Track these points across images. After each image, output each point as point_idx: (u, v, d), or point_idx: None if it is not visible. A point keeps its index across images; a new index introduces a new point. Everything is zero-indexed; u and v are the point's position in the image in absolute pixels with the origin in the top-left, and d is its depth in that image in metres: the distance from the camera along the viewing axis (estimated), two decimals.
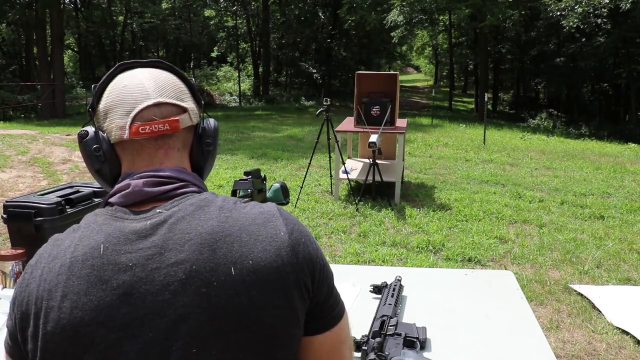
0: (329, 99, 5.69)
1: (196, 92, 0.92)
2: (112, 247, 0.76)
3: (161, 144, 0.85)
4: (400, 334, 1.23)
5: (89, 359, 0.73)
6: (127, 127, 0.83)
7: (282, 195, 1.51)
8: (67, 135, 10.90)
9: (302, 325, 0.81)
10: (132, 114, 0.83)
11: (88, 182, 1.92)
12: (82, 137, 0.87)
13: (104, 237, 0.77)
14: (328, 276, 0.85)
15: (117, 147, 0.86)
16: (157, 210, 0.80)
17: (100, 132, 0.86)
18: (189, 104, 0.89)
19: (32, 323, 0.75)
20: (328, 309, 0.85)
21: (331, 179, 6.16)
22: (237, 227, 0.78)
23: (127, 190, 0.82)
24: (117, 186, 0.84)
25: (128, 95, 0.84)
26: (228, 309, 0.73)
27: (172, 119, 0.84)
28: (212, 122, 0.94)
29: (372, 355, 1.15)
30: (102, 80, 0.88)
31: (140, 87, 0.85)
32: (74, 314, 0.73)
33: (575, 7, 16.72)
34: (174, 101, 0.86)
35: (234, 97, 26.05)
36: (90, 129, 0.87)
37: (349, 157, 7.00)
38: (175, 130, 0.85)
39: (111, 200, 0.83)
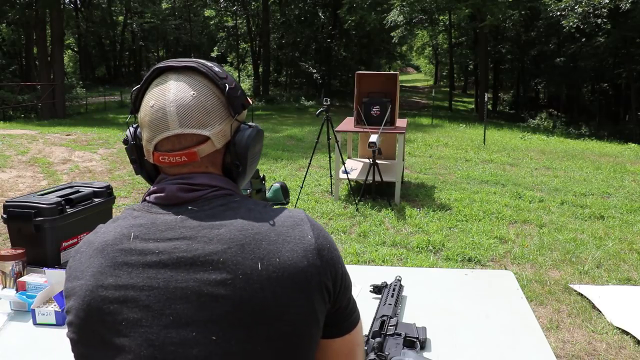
0: (329, 99, 5.69)
1: (231, 99, 0.88)
2: (142, 236, 0.81)
3: (186, 164, 0.88)
4: (400, 334, 1.23)
5: (111, 336, 0.77)
6: (151, 153, 0.88)
7: (282, 195, 1.50)
8: (67, 135, 10.90)
9: (321, 327, 0.83)
10: (153, 143, 0.87)
11: (88, 182, 1.92)
12: (124, 142, 0.95)
13: (136, 226, 0.83)
14: (348, 283, 0.88)
15: None
16: (189, 207, 0.84)
17: (138, 142, 0.92)
18: (215, 127, 0.86)
19: (69, 300, 0.82)
20: (347, 314, 0.88)
21: (331, 179, 6.16)
22: (267, 227, 0.81)
23: (162, 194, 0.86)
24: (152, 188, 0.89)
25: (152, 120, 0.86)
26: (252, 302, 0.75)
27: (189, 151, 0.85)
28: (245, 135, 0.89)
29: (372, 355, 1.15)
30: (139, 86, 0.90)
31: (162, 113, 0.85)
32: (99, 292, 0.78)
33: (575, 7, 16.72)
34: (194, 131, 0.85)
35: None
36: (130, 137, 0.93)
37: (349, 157, 6.99)
38: (193, 161, 0.86)
39: (148, 198, 0.88)
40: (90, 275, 0.80)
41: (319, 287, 0.80)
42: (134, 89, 0.91)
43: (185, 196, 0.85)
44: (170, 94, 0.86)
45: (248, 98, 0.93)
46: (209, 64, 0.89)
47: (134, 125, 0.94)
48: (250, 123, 0.93)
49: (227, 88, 0.87)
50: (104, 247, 0.82)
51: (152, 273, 0.78)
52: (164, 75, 0.89)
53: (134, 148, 0.93)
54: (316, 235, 0.83)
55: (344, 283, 0.86)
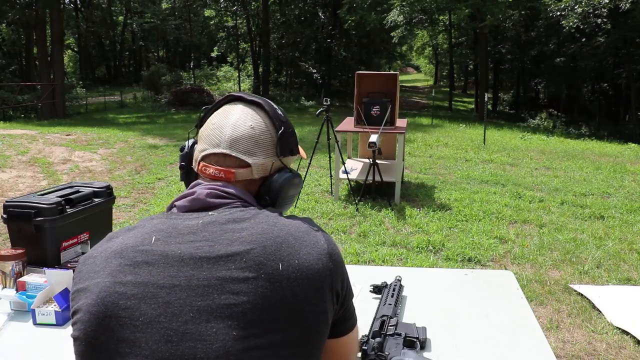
0: (329, 99, 5.68)
1: (283, 142, 0.98)
2: (163, 239, 0.85)
3: (217, 184, 0.95)
4: (400, 334, 1.23)
5: (125, 332, 0.78)
6: (198, 162, 0.98)
7: None
8: (67, 135, 10.90)
9: (329, 327, 0.89)
10: (203, 153, 0.97)
11: (88, 182, 1.92)
12: (180, 150, 1.07)
13: (157, 231, 0.86)
14: (351, 287, 0.95)
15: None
16: (210, 213, 0.89)
17: (192, 152, 1.03)
18: (259, 158, 0.96)
19: (78, 300, 0.82)
20: (348, 317, 0.95)
21: (331, 179, 6.16)
22: (285, 232, 0.87)
23: (192, 197, 0.92)
24: (185, 191, 0.95)
25: (209, 135, 0.97)
26: (272, 300, 0.80)
27: (229, 169, 0.95)
28: (281, 178, 0.98)
29: (372, 355, 1.15)
30: (212, 106, 1.03)
31: (219, 132, 0.96)
32: (116, 289, 0.80)
33: (575, 7, 16.71)
34: (239, 155, 0.95)
35: None
36: (188, 147, 1.05)
37: (349, 157, 6.99)
38: (228, 180, 0.95)
39: (177, 203, 0.93)
40: (107, 273, 0.81)
41: (330, 288, 0.86)
42: (204, 107, 1.04)
43: (212, 202, 0.91)
44: (232, 118, 0.97)
45: (301, 149, 1.05)
46: (275, 106, 1.01)
47: (194, 138, 1.05)
48: (294, 170, 1.03)
49: (282, 130, 0.98)
50: (123, 249, 0.84)
51: (173, 272, 0.81)
52: (234, 102, 1.01)
53: (186, 156, 1.04)
54: (327, 241, 0.90)
55: (349, 286, 0.93)
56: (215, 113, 1.01)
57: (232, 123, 0.96)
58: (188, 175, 1.04)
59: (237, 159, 0.95)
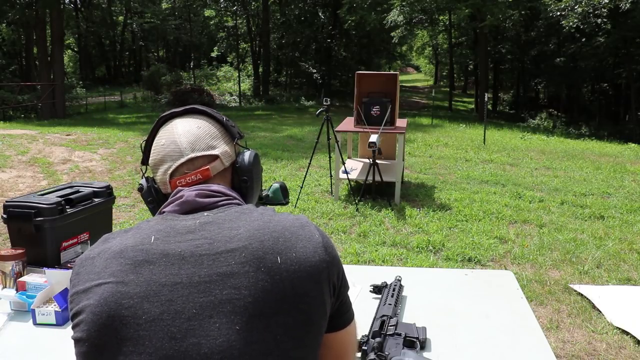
0: (329, 99, 5.68)
1: (229, 128, 1.04)
2: (162, 238, 0.86)
3: (201, 185, 0.97)
4: (400, 334, 1.23)
5: (128, 331, 0.78)
6: (168, 182, 0.99)
7: (282, 195, 1.50)
8: (67, 135, 10.90)
9: (327, 320, 0.90)
10: (169, 172, 0.98)
11: (88, 182, 1.92)
12: (139, 190, 1.05)
13: (155, 231, 0.87)
14: (346, 280, 0.96)
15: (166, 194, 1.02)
16: (205, 214, 0.91)
17: (154, 185, 1.04)
18: (221, 147, 1.01)
19: (79, 302, 0.82)
20: (345, 310, 0.96)
21: (331, 179, 6.16)
22: (281, 226, 0.89)
23: (180, 200, 0.93)
24: (170, 198, 0.96)
25: (166, 154, 0.99)
26: (272, 293, 0.81)
27: (203, 169, 0.97)
28: (247, 156, 1.04)
29: (372, 355, 1.15)
30: (147, 137, 1.04)
31: (174, 145, 0.98)
32: (119, 289, 0.80)
33: (575, 7, 16.71)
34: (204, 153, 0.99)
35: (234, 97, 26.05)
36: (145, 183, 1.04)
37: (349, 157, 6.99)
38: (207, 178, 0.98)
39: (166, 209, 0.94)
40: (109, 274, 0.82)
41: (327, 280, 0.87)
42: (142, 141, 1.05)
43: (203, 201, 0.92)
44: (178, 130, 1.00)
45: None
46: (205, 107, 1.06)
47: (146, 175, 1.06)
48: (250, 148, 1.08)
49: (223, 119, 1.04)
50: (122, 249, 0.84)
51: (174, 270, 0.82)
52: (168, 121, 1.03)
53: (150, 190, 1.04)
54: (321, 234, 0.92)
55: (344, 279, 0.94)
56: (157, 138, 1.02)
57: (181, 133, 0.99)
58: (160, 205, 1.02)
59: (204, 156, 0.98)
